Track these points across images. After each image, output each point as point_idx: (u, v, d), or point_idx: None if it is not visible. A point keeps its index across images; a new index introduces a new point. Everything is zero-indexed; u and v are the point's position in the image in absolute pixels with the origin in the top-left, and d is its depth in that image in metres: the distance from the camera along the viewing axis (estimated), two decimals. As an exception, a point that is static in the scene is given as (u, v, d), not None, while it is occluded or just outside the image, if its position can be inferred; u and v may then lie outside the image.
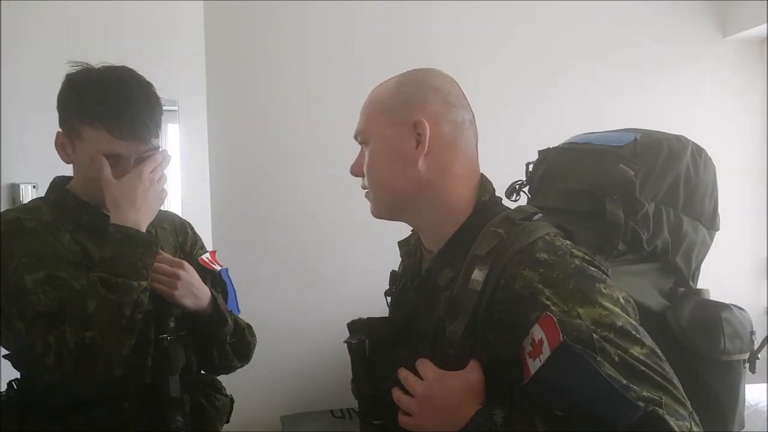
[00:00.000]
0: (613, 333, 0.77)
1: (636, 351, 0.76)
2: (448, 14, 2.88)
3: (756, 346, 1.05)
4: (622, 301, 0.82)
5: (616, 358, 0.75)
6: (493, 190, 1.00)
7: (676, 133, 1.09)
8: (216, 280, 1.37)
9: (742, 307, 1.08)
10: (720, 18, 3.14)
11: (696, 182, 1.06)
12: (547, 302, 0.80)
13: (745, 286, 3.17)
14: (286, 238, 2.67)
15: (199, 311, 1.25)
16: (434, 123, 0.94)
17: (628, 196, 0.97)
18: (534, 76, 2.96)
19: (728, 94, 3.17)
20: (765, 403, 2.45)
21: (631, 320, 0.80)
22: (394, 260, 1.19)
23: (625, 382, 0.73)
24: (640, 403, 0.71)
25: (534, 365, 0.77)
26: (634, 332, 0.78)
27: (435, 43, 2.85)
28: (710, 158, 1.10)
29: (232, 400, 1.41)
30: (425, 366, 0.88)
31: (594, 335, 0.76)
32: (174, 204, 2.72)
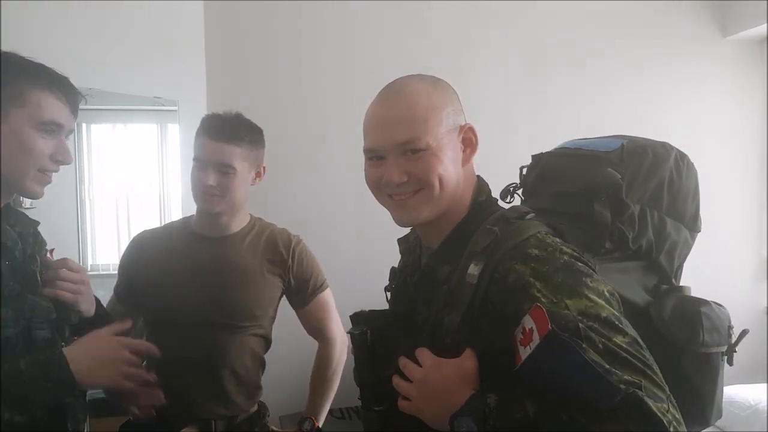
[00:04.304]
0: (597, 323, 0.83)
1: (619, 339, 0.83)
2: (448, 16, 2.89)
3: (733, 340, 1.11)
4: (606, 294, 0.88)
5: (600, 345, 0.81)
6: (489, 191, 1.07)
7: (661, 140, 1.15)
8: None
9: (720, 303, 1.14)
10: (720, 18, 3.14)
11: (679, 186, 1.12)
12: (538, 294, 0.86)
13: (745, 286, 3.17)
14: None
15: (86, 316, 1.23)
16: (470, 128, 1.03)
17: (614, 197, 1.04)
18: (532, 76, 2.96)
19: (728, 93, 3.18)
20: (765, 403, 2.46)
21: (615, 312, 0.86)
22: (391, 260, 1.21)
23: (607, 366, 0.79)
24: (622, 386, 0.77)
25: (525, 352, 0.83)
26: (617, 322, 0.84)
27: (436, 45, 2.86)
28: (692, 164, 1.16)
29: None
30: (424, 354, 0.94)
31: (580, 324, 0.82)
32: (174, 204, 2.72)
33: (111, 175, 2.77)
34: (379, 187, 1.02)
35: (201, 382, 1.63)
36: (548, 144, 1.26)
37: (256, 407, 1.76)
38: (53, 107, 1.10)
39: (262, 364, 1.77)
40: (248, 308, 1.65)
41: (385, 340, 1.03)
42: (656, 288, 1.12)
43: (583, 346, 0.80)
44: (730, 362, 1.11)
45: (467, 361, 0.91)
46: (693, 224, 1.16)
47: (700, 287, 1.17)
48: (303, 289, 1.73)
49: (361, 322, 1.05)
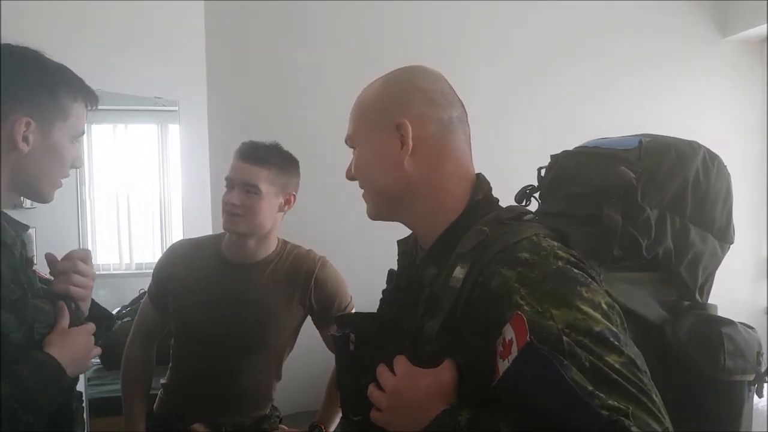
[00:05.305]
0: (588, 338, 0.73)
1: (612, 359, 0.72)
2: (450, 16, 2.89)
3: (764, 367, 0.98)
4: (604, 306, 0.78)
5: (587, 363, 0.72)
6: (489, 189, 0.98)
7: (689, 139, 1.06)
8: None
9: (751, 325, 1.02)
10: (720, 18, 3.14)
11: (706, 189, 1.01)
12: (521, 302, 0.77)
13: (745, 286, 3.17)
14: (287, 239, 2.67)
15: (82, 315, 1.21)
16: (419, 124, 0.93)
17: (627, 199, 0.95)
18: (532, 77, 2.96)
19: (728, 94, 3.17)
20: (765, 403, 2.45)
21: (612, 327, 0.76)
22: (394, 261, 1.19)
23: (590, 388, 0.69)
24: (605, 412, 0.67)
25: (503, 366, 0.74)
26: (612, 339, 0.74)
27: (436, 45, 2.85)
28: (724, 166, 1.05)
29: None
30: (399, 362, 0.87)
31: (565, 338, 0.73)
32: (174, 205, 2.72)
33: (111, 176, 2.77)
34: None
35: (212, 395, 1.67)
36: (546, 143, 1.22)
37: (267, 411, 1.80)
38: (83, 117, 1.11)
39: (278, 378, 1.80)
40: (262, 337, 1.67)
41: (369, 345, 0.95)
42: (676, 304, 1.00)
43: (565, 362, 0.70)
44: (760, 393, 0.98)
45: (444, 372, 0.82)
46: (724, 234, 1.04)
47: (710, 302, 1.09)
48: (326, 313, 1.72)
49: (346, 325, 0.98)
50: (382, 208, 1.00)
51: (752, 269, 3.22)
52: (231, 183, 1.61)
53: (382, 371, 0.87)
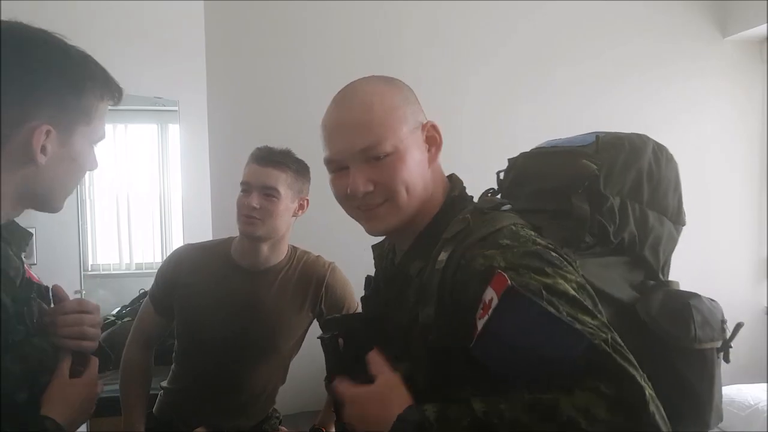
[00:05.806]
0: (564, 300, 0.78)
1: (587, 318, 0.77)
2: (449, 18, 2.89)
3: (728, 335, 1.07)
4: (575, 284, 0.83)
5: (565, 313, 0.76)
6: (463, 186, 1.04)
7: (637, 132, 1.13)
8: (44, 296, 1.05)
9: (713, 298, 1.10)
10: (720, 18, 3.14)
11: (659, 177, 1.09)
12: (502, 267, 0.82)
13: (745, 286, 3.17)
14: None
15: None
16: (433, 126, 0.99)
17: (592, 190, 1.01)
18: (532, 77, 2.96)
19: (728, 94, 3.17)
20: (765, 403, 2.46)
21: (581, 299, 0.80)
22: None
23: (570, 318, 0.75)
24: (587, 335, 0.73)
25: (482, 323, 0.78)
26: (586, 304, 0.79)
27: (439, 47, 2.86)
28: (672, 155, 1.13)
29: None
30: (340, 387, 0.91)
31: (544, 292, 0.78)
32: (174, 204, 2.72)
33: (111, 176, 2.77)
34: (347, 199, 0.97)
35: (218, 400, 1.68)
36: (539, 142, 1.24)
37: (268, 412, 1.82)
38: (105, 117, 0.93)
39: (282, 381, 1.82)
40: (274, 343, 1.68)
41: (358, 345, 0.95)
42: (643, 284, 1.07)
43: (544, 303, 0.75)
44: (727, 359, 1.05)
45: (384, 382, 0.86)
46: (677, 217, 1.13)
47: (700, 287, 1.14)
48: None
49: (333, 327, 1.00)
50: (410, 215, 0.96)
51: (752, 269, 3.22)
52: (249, 187, 1.61)
53: (342, 388, 0.91)
